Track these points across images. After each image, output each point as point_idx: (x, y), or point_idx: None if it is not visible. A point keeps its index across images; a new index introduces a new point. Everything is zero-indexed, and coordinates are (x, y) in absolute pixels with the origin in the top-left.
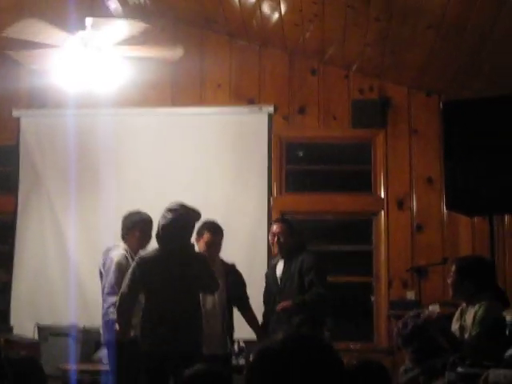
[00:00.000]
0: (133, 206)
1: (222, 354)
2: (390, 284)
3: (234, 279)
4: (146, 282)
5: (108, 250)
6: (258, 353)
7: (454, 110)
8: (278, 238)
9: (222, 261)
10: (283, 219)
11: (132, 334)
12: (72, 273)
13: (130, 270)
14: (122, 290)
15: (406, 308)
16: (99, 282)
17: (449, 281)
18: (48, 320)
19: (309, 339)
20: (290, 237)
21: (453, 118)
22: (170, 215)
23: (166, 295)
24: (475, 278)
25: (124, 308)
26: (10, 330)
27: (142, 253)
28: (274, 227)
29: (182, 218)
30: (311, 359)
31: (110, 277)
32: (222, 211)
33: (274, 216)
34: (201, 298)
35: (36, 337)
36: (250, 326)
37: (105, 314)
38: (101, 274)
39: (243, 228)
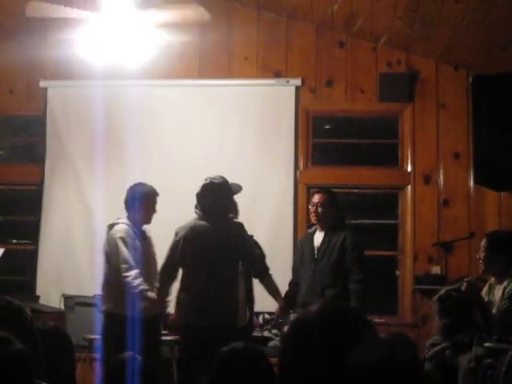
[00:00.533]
0: (158, 177)
1: (241, 326)
2: (415, 258)
3: None
4: (184, 253)
5: (110, 227)
6: (294, 323)
7: (484, 84)
8: (317, 209)
9: None
10: (325, 190)
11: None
12: (96, 243)
13: (170, 243)
14: (163, 262)
15: (432, 283)
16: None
17: (480, 255)
18: (74, 290)
19: (344, 311)
20: (331, 208)
21: (482, 93)
22: (207, 185)
23: (203, 267)
24: (508, 252)
25: (164, 280)
26: (36, 299)
27: (182, 224)
28: (315, 197)
29: (219, 188)
30: (346, 330)
31: (121, 254)
32: (248, 184)
33: (301, 189)
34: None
35: (62, 307)
36: (273, 297)
37: (133, 288)
38: (105, 252)
39: (269, 201)
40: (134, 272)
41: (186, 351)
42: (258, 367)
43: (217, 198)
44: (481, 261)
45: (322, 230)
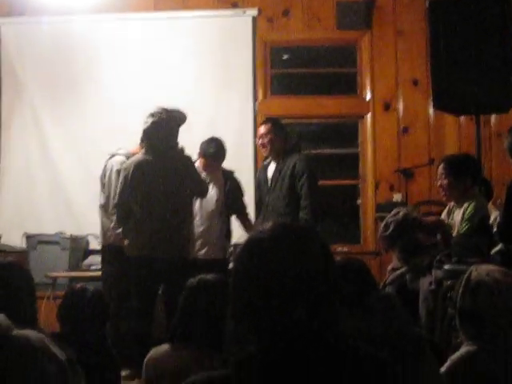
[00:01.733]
0: (115, 112)
1: (221, 258)
2: (376, 186)
3: (232, 186)
4: (132, 187)
5: (109, 158)
6: (248, 240)
7: (441, 9)
8: (263, 140)
9: (222, 167)
10: (269, 119)
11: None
12: (57, 181)
13: (119, 180)
14: (115, 200)
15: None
16: (85, 189)
17: (441, 182)
18: (35, 229)
19: (299, 228)
20: (277, 137)
21: (439, 18)
22: (151, 119)
23: (153, 200)
24: (468, 175)
25: (120, 218)
26: None
27: (128, 160)
28: (260, 128)
29: (165, 121)
30: (302, 246)
31: (114, 186)
32: (207, 116)
33: (260, 120)
34: (198, 202)
35: (24, 246)
36: (245, 228)
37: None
38: (102, 183)
39: (229, 133)
40: None
41: (137, 282)
42: (224, 295)
43: (163, 131)
44: (441, 188)
45: (274, 160)
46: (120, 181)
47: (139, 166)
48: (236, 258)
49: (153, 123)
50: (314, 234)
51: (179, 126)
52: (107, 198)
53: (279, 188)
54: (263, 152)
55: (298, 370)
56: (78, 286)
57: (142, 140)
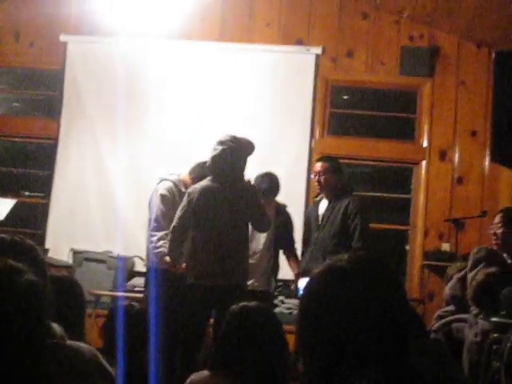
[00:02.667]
0: (175, 139)
1: (266, 290)
2: (426, 234)
3: (283, 220)
4: (195, 213)
5: (158, 182)
6: (325, 268)
7: (507, 60)
8: (319, 177)
9: (275, 201)
10: (326, 158)
11: (184, 266)
12: (110, 201)
13: (182, 203)
14: (173, 222)
15: (441, 259)
16: (137, 211)
17: (495, 231)
18: (83, 246)
19: (377, 259)
20: (333, 176)
21: (505, 69)
22: (220, 147)
23: (213, 227)
24: None
25: (175, 241)
26: (45, 252)
27: (193, 185)
28: (316, 166)
29: (233, 150)
30: (376, 278)
31: (156, 210)
32: (263, 150)
33: (315, 158)
34: (250, 233)
35: (70, 261)
36: (290, 264)
37: (154, 248)
38: (149, 206)
39: (283, 168)
40: (160, 233)
41: (190, 310)
42: (269, 326)
43: (231, 159)
44: (495, 237)
45: (327, 198)
46: (182, 205)
47: (205, 193)
48: (311, 284)
49: (222, 151)
50: (388, 266)
51: (248, 155)
52: (149, 220)
53: (330, 226)
54: (317, 188)
55: None
56: (127, 303)
57: (209, 167)
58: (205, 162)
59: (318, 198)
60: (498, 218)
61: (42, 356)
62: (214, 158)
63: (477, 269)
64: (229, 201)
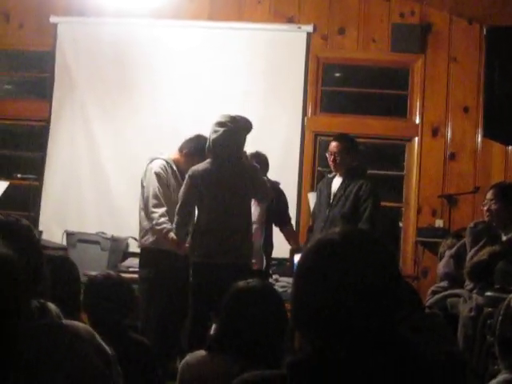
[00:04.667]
0: (167, 119)
1: (258, 269)
2: (419, 211)
3: (276, 196)
4: (199, 194)
5: (149, 162)
6: (317, 241)
7: (498, 36)
8: (335, 158)
9: (267, 179)
10: (341, 136)
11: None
12: (102, 182)
13: (183, 184)
14: (178, 204)
15: (434, 236)
16: (131, 192)
17: (489, 207)
18: (76, 227)
19: (369, 232)
20: (348, 155)
21: (496, 45)
22: (221, 129)
23: (217, 206)
24: None
25: (181, 223)
26: (39, 234)
27: (194, 167)
28: (332, 145)
29: (233, 131)
30: (368, 250)
31: (152, 188)
32: (256, 128)
33: (308, 136)
34: None
35: (64, 243)
36: (289, 240)
37: (156, 225)
38: (142, 185)
39: (276, 146)
40: (161, 210)
41: (197, 288)
42: (272, 304)
43: (232, 141)
44: (488, 213)
45: (340, 176)
46: (186, 186)
47: (208, 174)
48: (303, 260)
49: (223, 132)
50: (381, 240)
51: (246, 134)
52: (146, 199)
53: (341, 205)
54: (332, 168)
55: (359, 373)
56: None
57: (209, 148)
58: (195, 137)
59: (331, 175)
60: (490, 195)
61: (20, 338)
62: (215, 141)
63: (479, 245)
64: (232, 181)
